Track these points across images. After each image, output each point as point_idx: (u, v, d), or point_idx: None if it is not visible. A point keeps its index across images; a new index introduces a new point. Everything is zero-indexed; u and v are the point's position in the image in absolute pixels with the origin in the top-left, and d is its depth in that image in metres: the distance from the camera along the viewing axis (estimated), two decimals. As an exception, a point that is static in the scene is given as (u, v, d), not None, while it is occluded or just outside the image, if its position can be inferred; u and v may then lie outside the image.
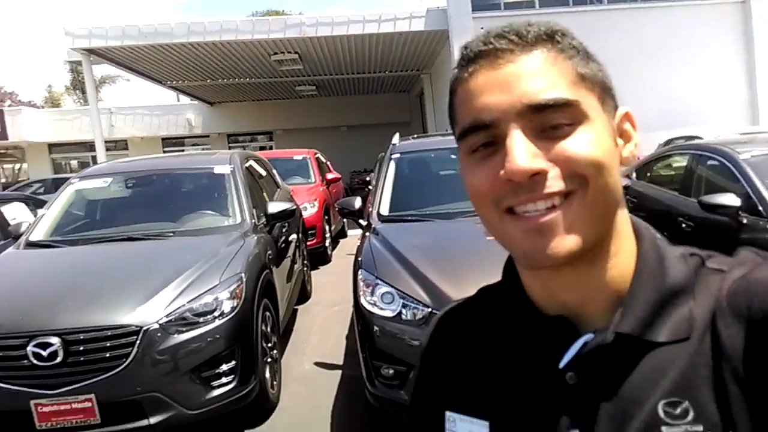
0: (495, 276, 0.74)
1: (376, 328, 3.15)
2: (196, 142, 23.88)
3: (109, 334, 3.05)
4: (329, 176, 10.01)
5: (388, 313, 3.13)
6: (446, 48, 13.56)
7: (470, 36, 0.65)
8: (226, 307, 3.39)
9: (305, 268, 6.46)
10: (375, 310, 3.18)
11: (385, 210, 4.34)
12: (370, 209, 4.39)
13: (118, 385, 3.03)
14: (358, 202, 4.49)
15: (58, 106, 36.43)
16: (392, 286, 3.20)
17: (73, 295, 3.33)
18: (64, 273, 3.75)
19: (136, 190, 4.95)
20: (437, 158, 5.05)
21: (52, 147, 23.54)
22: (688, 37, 13.50)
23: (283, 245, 5.09)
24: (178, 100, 23.91)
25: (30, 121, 22.03)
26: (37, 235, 4.30)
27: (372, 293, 3.23)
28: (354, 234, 9.89)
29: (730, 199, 4.33)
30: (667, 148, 6.27)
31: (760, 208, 4.21)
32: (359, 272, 3.47)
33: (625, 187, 3.30)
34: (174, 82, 18.17)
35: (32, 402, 2.95)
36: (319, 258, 8.08)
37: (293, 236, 5.70)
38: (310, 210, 7.92)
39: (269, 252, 4.41)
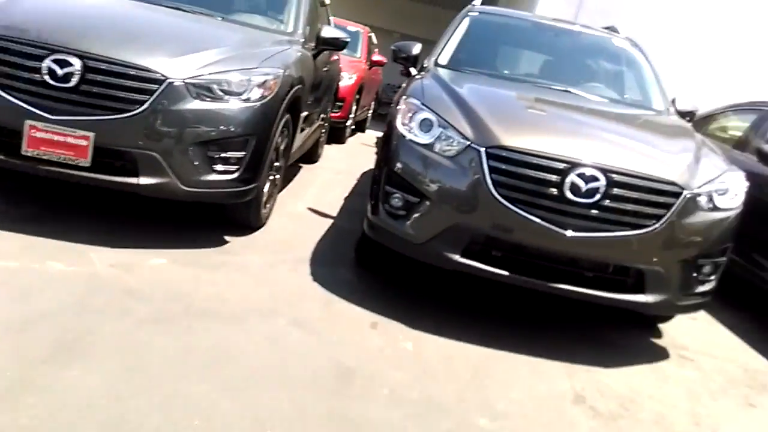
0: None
1: (403, 152, 2.96)
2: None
3: (132, 74, 2.86)
4: (375, 58, 9.56)
5: (423, 140, 2.93)
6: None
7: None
8: (255, 94, 3.19)
9: (323, 131, 6.25)
10: (409, 135, 2.98)
11: (444, 61, 4.05)
12: (425, 62, 4.08)
13: (121, 133, 2.88)
14: (417, 48, 4.10)
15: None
16: (436, 113, 3.00)
17: (110, 27, 3.18)
18: (108, 9, 3.59)
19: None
20: (520, 28, 4.73)
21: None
22: None
23: (318, 84, 4.82)
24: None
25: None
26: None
27: (411, 119, 3.03)
28: (374, 133, 9.72)
29: None
30: (724, 105, 5.87)
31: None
32: (402, 100, 3.23)
33: (691, 113, 2.99)
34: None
35: (27, 122, 2.78)
36: (336, 136, 7.80)
37: (326, 90, 5.44)
38: (346, 81, 7.55)
39: (308, 72, 4.19)
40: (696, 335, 3.59)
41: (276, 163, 3.76)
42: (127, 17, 3.51)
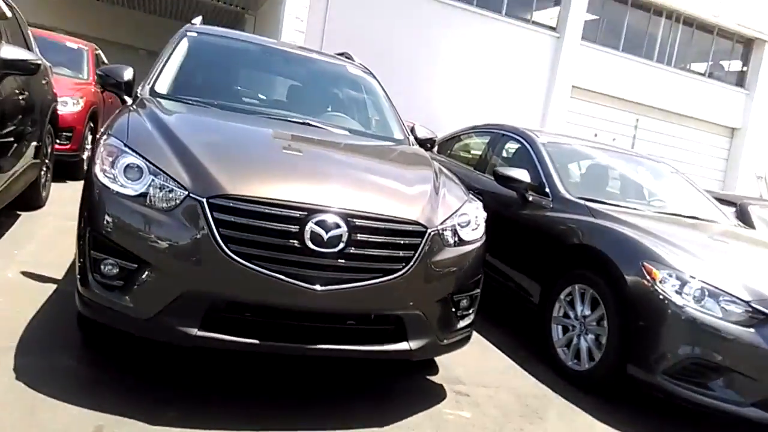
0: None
1: (108, 207, 2.36)
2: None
3: None
4: None
5: (130, 191, 2.35)
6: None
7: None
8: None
9: (44, 169, 5.28)
10: (113, 185, 2.37)
11: (163, 88, 3.45)
12: (139, 88, 3.45)
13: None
14: (129, 73, 3.39)
15: None
16: (143, 158, 2.43)
17: None
18: None
19: None
20: (250, 52, 4.24)
21: None
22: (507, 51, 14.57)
23: (10, 115, 3.92)
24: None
25: None
26: None
27: (113, 164, 2.43)
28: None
29: (522, 175, 4.32)
30: (467, 127, 6.20)
31: (547, 189, 4.24)
32: (103, 139, 2.61)
33: (431, 140, 2.85)
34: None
35: None
36: (71, 169, 6.69)
37: (31, 120, 4.48)
38: (70, 107, 6.48)
39: None
40: (467, 362, 3.49)
41: None
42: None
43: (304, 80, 4.23)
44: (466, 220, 2.86)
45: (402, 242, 2.51)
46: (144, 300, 2.31)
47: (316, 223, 2.32)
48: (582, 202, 4.02)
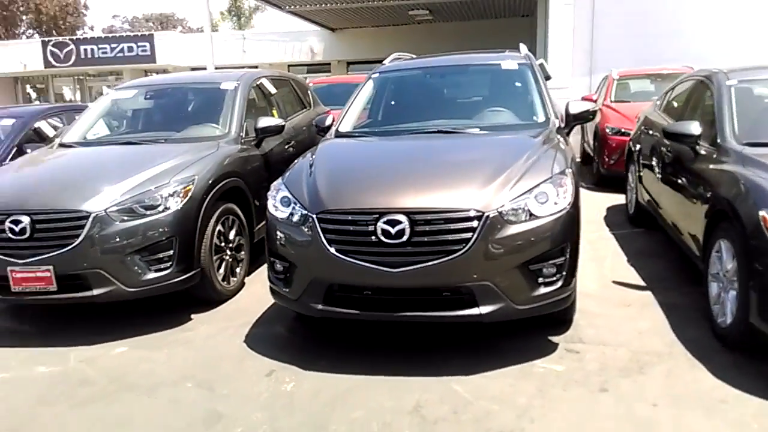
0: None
1: (272, 226, 3.60)
2: (318, 69, 24.78)
3: (65, 216, 3.86)
4: None
5: (281, 215, 3.55)
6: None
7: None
8: (171, 203, 4.04)
9: None
10: (275, 212, 3.61)
11: (345, 128, 4.62)
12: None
13: (72, 260, 3.80)
14: (329, 120, 4.76)
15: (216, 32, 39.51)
16: (289, 191, 3.62)
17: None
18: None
19: (154, 101, 5.77)
20: (413, 78, 5.18)
21: (194, 71, 25.72)
22: None
23: (281, 158, 5.48)
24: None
25: (174, 46, 24.24)
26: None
27: (275, 197, 3.68)
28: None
29: (690, 128, 4.13)
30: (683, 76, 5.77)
31: (718, 138, 3.97)
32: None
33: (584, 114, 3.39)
34: (293, 7, 18.89)
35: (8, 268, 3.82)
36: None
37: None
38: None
39: (248, 162, 4.99)
40: (611, 325, 3.74)
41: (228, 244, 4.55)
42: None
43: (458, 88, 4.92)
44: (544, 197, 3.25)
45: (460, 227, 3.12)
46: (294, 287, 3.47)
47: (385, 222, 3.14)
48: (739, 148, 3.74)
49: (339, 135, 4.51)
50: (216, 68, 23.46)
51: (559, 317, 3.66)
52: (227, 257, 4.56)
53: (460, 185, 3.33)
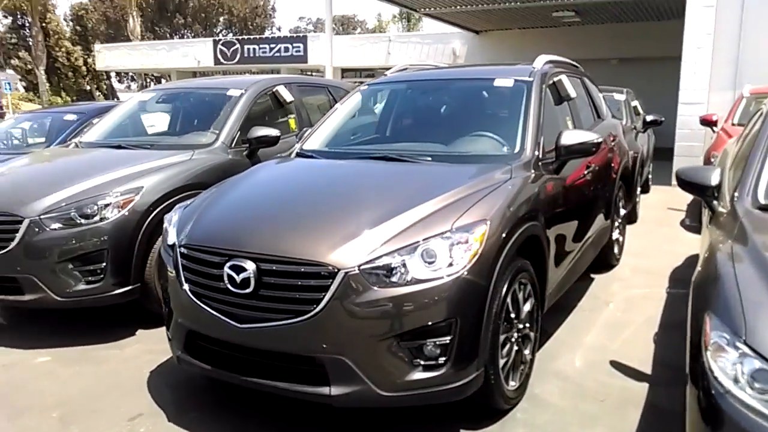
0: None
1: (163, 248, 3.19)
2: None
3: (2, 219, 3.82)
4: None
5: (168, 237, 3.11)
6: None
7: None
8: (108, 214, 3.84)
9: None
10: (166, 234, 3.18)
11: (310, 145, 4.02)
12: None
13: (6, 264, 3.80)
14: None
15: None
16: (181, 213, 3.19)
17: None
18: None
19: (166, 105, 5.69)
20: (399, 90, 4.56)
21: (345, 71, 26.46)
22: None
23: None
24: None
25: (326, 47, 25.12)
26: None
27: (171, 217, 3.23)
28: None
29: (704, 177, 3.07)
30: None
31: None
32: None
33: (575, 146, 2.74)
34: (429, 9, 18.55)
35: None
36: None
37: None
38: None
39: (227, 173, 4.06)
40: (553, 428, 2.90)
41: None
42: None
43: (438, 107, 4.23)
44: (432, 255, 2.55)
45: (311, 284, 2.53)
46: (168, 323, 3.08)
47: (230, 267, 2.65)
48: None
49: (298, 154, 4.03)
50: (354, 70, 24.05)
51: (481, 405, 2.91)
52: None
53: (330, 230, 2.72)
